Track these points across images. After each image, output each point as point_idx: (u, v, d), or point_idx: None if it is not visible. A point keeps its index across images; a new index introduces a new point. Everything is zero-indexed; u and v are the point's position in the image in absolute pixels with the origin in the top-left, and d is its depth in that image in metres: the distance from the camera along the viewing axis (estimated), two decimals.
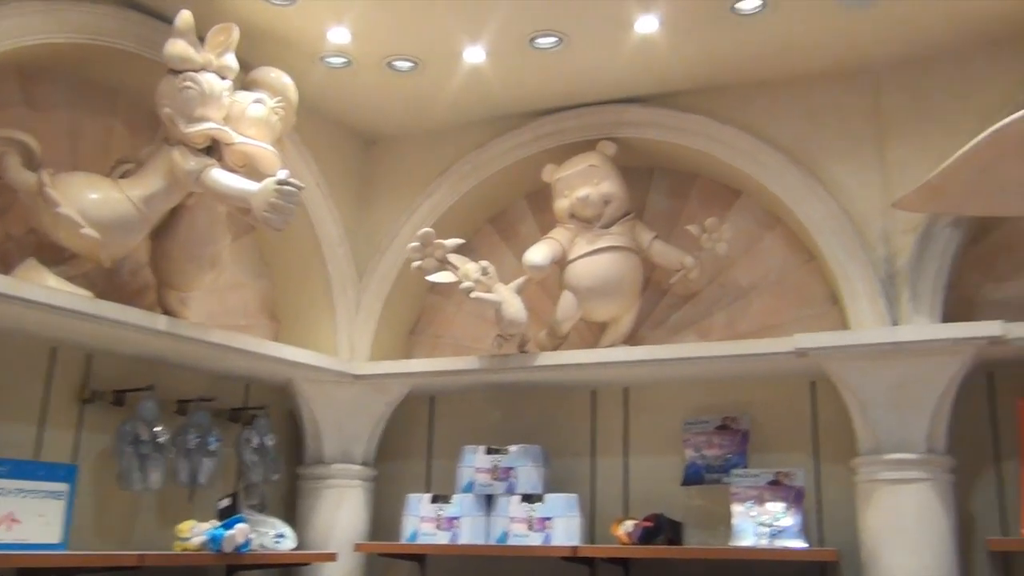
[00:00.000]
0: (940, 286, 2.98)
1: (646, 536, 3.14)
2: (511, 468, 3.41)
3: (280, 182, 2.76)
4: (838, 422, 3.17)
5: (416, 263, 3.36)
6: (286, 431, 3.73)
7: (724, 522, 3.15)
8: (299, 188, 2.79)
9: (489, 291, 3.33)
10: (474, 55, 3.21)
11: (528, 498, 3.32)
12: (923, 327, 2.94)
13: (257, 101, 3.01)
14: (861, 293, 3.06)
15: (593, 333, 3.56)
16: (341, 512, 3.61)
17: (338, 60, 3.29)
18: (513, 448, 3.44)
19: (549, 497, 3.30)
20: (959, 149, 2.77)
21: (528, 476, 3.38)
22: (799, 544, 3.01)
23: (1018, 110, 2.70)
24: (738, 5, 2.89)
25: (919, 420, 2.91)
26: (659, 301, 3.57)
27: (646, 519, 3.19)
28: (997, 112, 2.83)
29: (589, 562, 3.31)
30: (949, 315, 2.98)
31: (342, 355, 3.67)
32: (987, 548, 2.91)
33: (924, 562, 2.81)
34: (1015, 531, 2.89)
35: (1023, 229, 3.09)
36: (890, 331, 2.96)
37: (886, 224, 3.08)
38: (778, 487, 3.10)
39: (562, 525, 3.25)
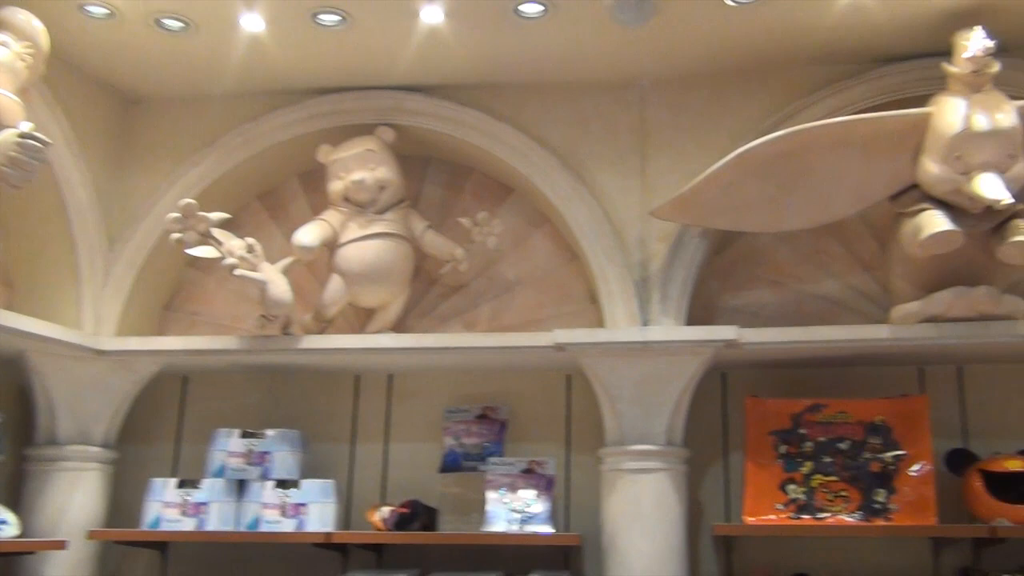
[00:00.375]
0: (686, 291, 3.22)
1: (401, 522, 3.17)
2: (267, 453, 3.32)
3: (22, 135, 2.52)
4: (589, 414, 3.34)
5: (176, 235, 3.17)
6: (15, 408, 3.40)
7: (478, 508, 3.22)
8: (44, 143, 2.56)
9: (254, 269, 3.21)
10: (252, 23, 3.08)
11: (283, 484, 3.24)
12: (670, 328, 3.16)
13: (1, 44, 2.73)
14: (617, 294, 3.24)
15: (360, 318, 3.54)
16: (75, 497, 3.34)
17: (100, 11, 3.04)
18: (270, 432, 3.34)
19: (304, 483, 3.25)
20: (711, 166, 3.01)
21: (284, 461, 3.31)
22: (546, 529, 3.14)
23: (761, 136, 2.99)
24: (521, 7, 2.96)
25: (661, 414, 3.12)
26: (428, 290, 3.60)
27: (402, 505, 3.21)
28: (744, 136, 3.11)
29: (342, 548, 3.29)
30: (692, 319, 3.23)
31: (86, 328, 3.40)
32: (712, 533, 3.19)
33: (658, 546, 3.02)
34: (737, 518, 3.17)
35: (758, 244, 3.41)
36: (640, 331, 3.16)
37: (643, 231, 3.28)
38: (531, 475, 3.23)
39: (317, 511, 3.20)
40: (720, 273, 3.41)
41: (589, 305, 3.44)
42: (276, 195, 3.76)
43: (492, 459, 3.29)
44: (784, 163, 2.95)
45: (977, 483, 2.97)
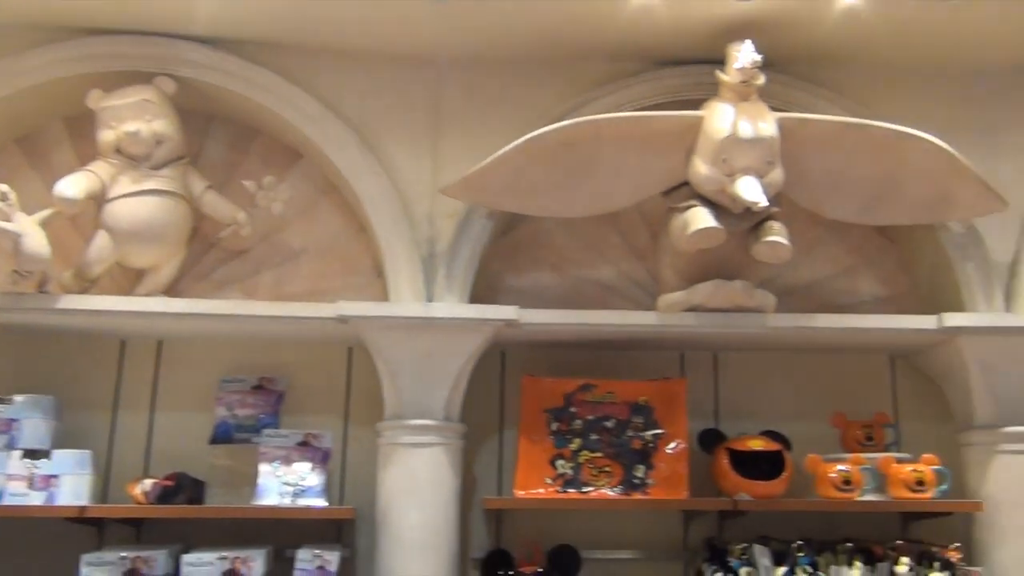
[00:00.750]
0: (471, 270, 3.26)
1: (164, 495, 3.03)
2: (14, 420, 3.06)
3: None
4: (369, 388, 3.32)
5: None
6: None
7: (250, 482, 3.13)
8: None
9: (6, 220, 2.93)
10: None
11: (32, 454, 3.00)
12: (453, 306, 3.20)
13: None
14: (403, 268, 3.23)
15: (129, 279, 3.32)
16: None
17: None
18: (18, 398, 3.08)
19: (57, 453, 3.02)
20: (501, 149, 3.06)
21: (34, 429, 3.06)
22: (320, 503, 3.11)
23: (551, 123, 3.08)
24: None
25: (440, 390, 3.16)
26: (205, 254, 3.43)
27: (167, 478, 3.07)
28: (535, 122, 3.17)
29: (98, 523, 3.10)
30: (476, 297, 3.28)
31: None
32: (484, 506, 3.28)
33: (430, 518, 3.07)
34: (509, 492, 3.27)
35: (542, 228, 3.51)
36: (425, 307, 3.18)
37: (432, 207, 3.29)
38: (306, 448, 3.17)
39: (70, 484, 2.99)
40: (504, 254, 3.50)
41: (375, 278, 3.42)
42: (37, 140, 3.43)
43: (266, 431, 3.21)
44: (570, 152, 3.06)
45: (724, 460, 3.23)
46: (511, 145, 3.04)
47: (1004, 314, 3.26)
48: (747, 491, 3.16)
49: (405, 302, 3.20)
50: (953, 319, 3.21)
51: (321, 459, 3.17)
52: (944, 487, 3.17)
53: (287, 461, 3.14)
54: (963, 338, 3.22)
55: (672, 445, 3.26)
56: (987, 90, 3.42)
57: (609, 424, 3.29)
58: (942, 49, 3.30)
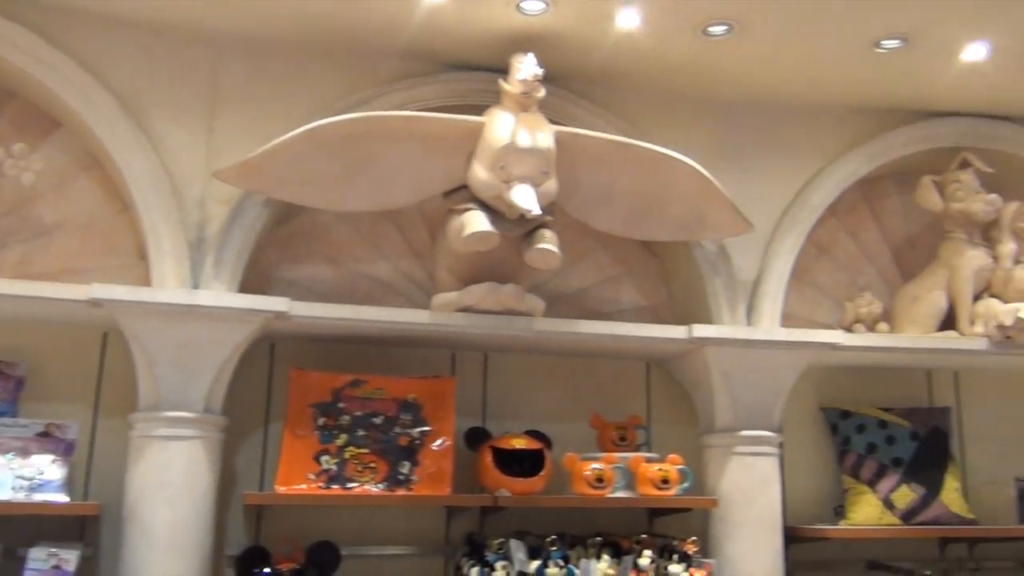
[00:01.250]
0: (243, 258, 3.16)
1: None
2: None
3: None
4: (124, 376, 3.15)
5: None
6: None
7: None
8: None
9: None
10: None
11: None
12: (221, 294, 3.08)
13: None
14: (168, 252, 3.08)
15: None
16: None
17: None
18: None
19: None
20: (281, 136, 2.99)
21: None
22: (60, 498, 2.91)
23: (334, 115, 3.05)
24: None
25: (201, 381, 3.05)
26: None
27: None
28: (318, 112, 3.14)
29: None
30: (246, 287, 3.19)
31: None
32: (244, 502, 3.18)
33: (183, 514, 2.95)
34: (271, 487, 3.19)
35: (320, 220, 3.47)
36: (189, 294, 3.05)
37: (204, 191, 3.16)
38: (47, 439, 2.97)
39: None
40: (279, 244, 3.42)
41: (137, 261, 3.23)
42: None
43: (2, 420, 2.97)
44: (351, 146, 3.04)
45: (487, 458, 3.31)
46: (291, 134, 2.99)
47: (745, 327, 3.56)
48: (508, 488, 3.26)
49: (168, 288, 3.05)
50: (701, 330, 3.47)
51: (64, 451, 2.97)
52: (686, 485, 3.42)
53: (24, 453, 2.92)
54: (709, 348, 3.49)
55: (438, 442, 3.31)
56: (742, 123, 3.72)
57: (377, 420, 3.28)
58: (705, 82, 3.56)
